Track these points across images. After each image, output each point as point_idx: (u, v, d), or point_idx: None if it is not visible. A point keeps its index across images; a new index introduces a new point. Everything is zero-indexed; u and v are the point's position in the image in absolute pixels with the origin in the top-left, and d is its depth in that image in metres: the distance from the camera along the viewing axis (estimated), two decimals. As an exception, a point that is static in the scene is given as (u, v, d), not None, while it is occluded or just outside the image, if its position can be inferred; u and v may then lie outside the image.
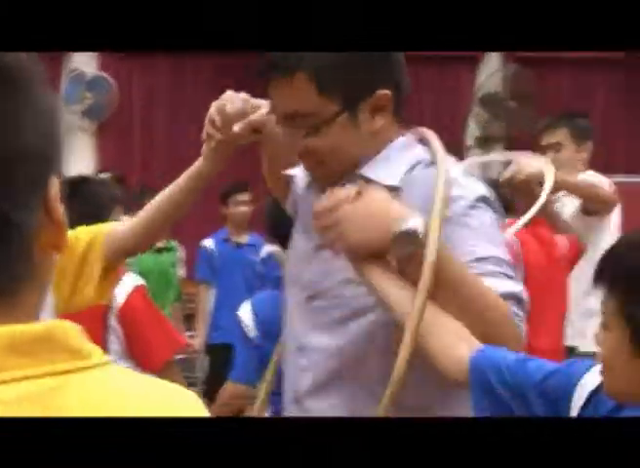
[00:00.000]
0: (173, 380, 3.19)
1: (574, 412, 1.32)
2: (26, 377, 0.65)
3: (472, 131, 7.23)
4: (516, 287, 1.51)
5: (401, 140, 1.62)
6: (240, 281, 4.82)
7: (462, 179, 1.56)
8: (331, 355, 1.56)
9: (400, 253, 1.40)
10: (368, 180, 1.56)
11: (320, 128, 1.51)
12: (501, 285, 1.47)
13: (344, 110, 1.51)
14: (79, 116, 6.84)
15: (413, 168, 1.59)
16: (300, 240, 1.69)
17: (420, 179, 1.55)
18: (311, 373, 1.59)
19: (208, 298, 5.03)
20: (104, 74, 6.91)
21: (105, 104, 6.94)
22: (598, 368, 1.31)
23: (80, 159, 6.48)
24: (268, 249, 4.85)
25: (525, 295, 1.53)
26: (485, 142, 7.11)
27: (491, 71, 7.09)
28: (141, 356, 2.75)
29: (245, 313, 2.79)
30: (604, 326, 1.27)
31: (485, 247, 1.51)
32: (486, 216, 1.55)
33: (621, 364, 1.25)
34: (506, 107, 6.99)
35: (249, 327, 2.77)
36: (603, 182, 3.59)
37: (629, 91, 7.24)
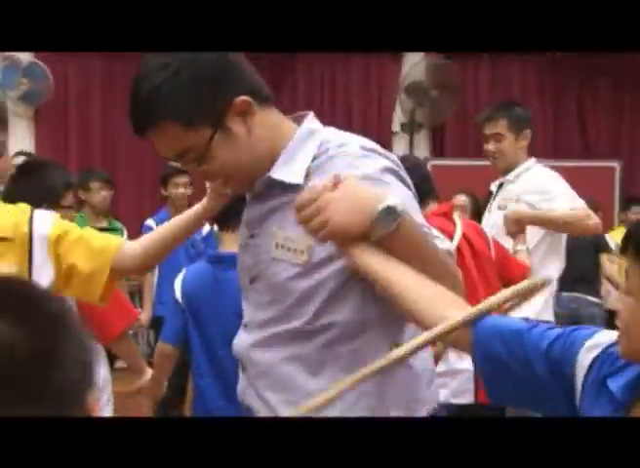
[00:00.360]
0: (127, 350, 3.40)
1: (579, 375, 1.35)
2: None
3: (399, 117, 7.62)
4: (449, 244, 1.75)
5: (302, 131, 1.69)
6: (182, 258, 5.01)
7: (364, 153, 1.65)
8: (265, 327, 1.71)
9: (383, 230, 1.46)
10: (274, 182, 1.66)
11: (206, 154, 1.59)
12: (440, 243, 1.70)
13: (216, 130, 1.58)
14: (15, 102, 6.96)
15: (317, 156, 1.65)
16: (242, 231, 1.81)
17: (328, 166, 1.63)
18: (252, 337, 1.74)
19: (153, 274, 5.24)
20: (39, 61, 7.04)
21: (41, 90, 7.07)
22: (601, 333, 1.36)
23: (19, 143, 6.60)
24: (208, 227, 5.08)
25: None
26: (410, 129, 7.48)
27: (415, 62, 7.44)
28: (97, 328, 2.81)
29: (178, 280, 3.14)
30: (627, 291, 1.29)
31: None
32: (394, 186, 1.62)
33: None
34: (429, 96, 7.37)
35: (177, 292, 3.12)
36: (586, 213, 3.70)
37: (542, 83, 7.75)
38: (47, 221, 2.15)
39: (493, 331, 1.41)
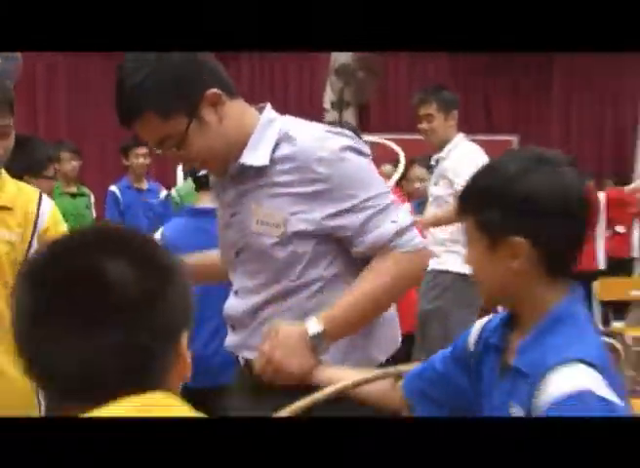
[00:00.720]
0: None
1: (471, 349, 1.49)
2: None
3: (329, 96, 8.71)
4: (401, 220, 1.79)
5: (264, 119, 1.84)
6: (144, 221, 5.74)
7: (323, 134, 1.81)
8: (259, 291, 1.88)
9: (322, 349, 1.73)
10: (245, 166, 1.82)
11: (183, 141, 1.76)
12: (385, 228, 1.77)
13: (191, 119, 1.74)
14: (-12, 80, 7.75)
15: (278, 143, 1.82)
16: (221, 212, 1.98)
17: (290, 154, 1.80)
18: (249, 302, 1.91)
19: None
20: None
21: (12, 70, 7.87)
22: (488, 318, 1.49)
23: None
24: (165, 192, 6.03)
25: (410, 220, 1.83)
26: (339, 106, 8.55)
27: (344, 46, 8.43)
28: None
29: (157, 235, 3.24)
30: (468, 244, 1.43)
31: (364, 189, 1.78)
32: (355, 162, 1.80)
33: (486, 271, 1.41)
34: (356, 77, 8.42)
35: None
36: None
37: (453, 69, 8.90)
38: (47, 210, 2.32)
39: (418, 380, 1.58)
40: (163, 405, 0.93)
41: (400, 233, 1.78)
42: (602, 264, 6.31)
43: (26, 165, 2.99)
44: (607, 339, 3.58)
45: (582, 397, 1.29)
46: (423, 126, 4.29)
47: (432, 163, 4.41)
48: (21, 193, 2.31)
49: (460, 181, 4.02)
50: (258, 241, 1.83)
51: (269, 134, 1.83)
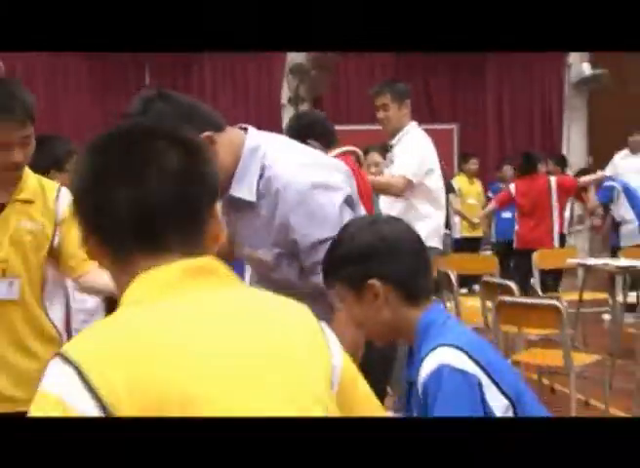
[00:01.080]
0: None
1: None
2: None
3: (286, 93, 9.50)
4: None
5: (247, 148, 1.92)
6: None
7: (296, 168, 1.90)
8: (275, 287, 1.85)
9: None
10: (236, 200, 1.92)
11: None
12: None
13: None
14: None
15: (261, 175, 1.92)
16: (228, 218, 2.09)
17: (269, 189, 1.90)
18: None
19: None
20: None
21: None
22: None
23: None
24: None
25: None
26: (295, 102, 9.33)
27: (297, 47, 9.20)
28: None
29: None
30: (343, 307, 1.72)
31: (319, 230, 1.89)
32: (320, 201, 1.89)
33: (365, 319, 1.68)
34: (310, 75, 9.16)
35: None
36: (397, 179, 4.44)
37: (395, 64, 9.78)
38: (65, 202, 2.43)
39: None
40: (210, 269, 1.10)
41: None
42: (557, 242, 6.84)
43: (51, 161, 3.16)
44: (550, 302, 4.08)
45: (441, 371, 1.51)
46: (380, 115, 4.60)
47: (389, 148, 4.75)
48: (42, 187, 2.45)
49: (400, 163, 4.46)
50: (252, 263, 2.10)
51: (253, 167, 1.93)
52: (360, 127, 7.91)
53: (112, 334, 1.04)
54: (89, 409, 0.96)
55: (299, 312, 1.18)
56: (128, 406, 0.96)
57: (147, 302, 1.07)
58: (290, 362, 1.09)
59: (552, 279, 6.44)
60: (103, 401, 0.96)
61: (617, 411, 4.51)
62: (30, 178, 2.45)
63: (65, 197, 2.44)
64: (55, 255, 2.46)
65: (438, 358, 1.54)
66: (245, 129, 2.00)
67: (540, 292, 5.98)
